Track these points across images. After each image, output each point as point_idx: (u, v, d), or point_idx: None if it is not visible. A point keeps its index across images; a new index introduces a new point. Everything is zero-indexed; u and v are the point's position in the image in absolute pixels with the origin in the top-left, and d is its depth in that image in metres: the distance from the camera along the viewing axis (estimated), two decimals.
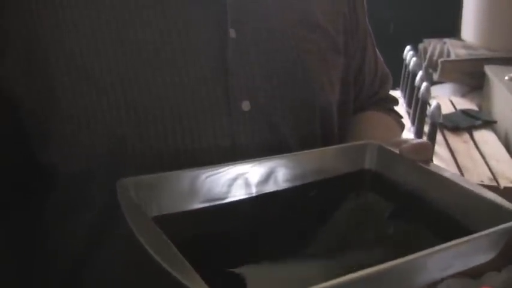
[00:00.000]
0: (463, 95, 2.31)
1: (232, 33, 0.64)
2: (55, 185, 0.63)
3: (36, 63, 0.59)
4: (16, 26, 0.59)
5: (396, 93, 2.04)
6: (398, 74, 2.10)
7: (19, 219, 0.68)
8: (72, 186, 0.62)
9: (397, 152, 0.63)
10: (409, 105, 1.92)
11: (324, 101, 0.72)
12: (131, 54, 0.60)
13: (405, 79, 2.04)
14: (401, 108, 1.92)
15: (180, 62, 0.62)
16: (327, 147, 0.65)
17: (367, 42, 0.84)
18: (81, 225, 0.64)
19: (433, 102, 1.60)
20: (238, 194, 0.58)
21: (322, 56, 0.72)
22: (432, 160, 0.66)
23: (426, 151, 0.63)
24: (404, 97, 2.02)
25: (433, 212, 0.58)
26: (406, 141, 0.64)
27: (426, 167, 0.61)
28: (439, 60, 2.32)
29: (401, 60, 2.12)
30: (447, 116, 1.90)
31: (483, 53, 2.33)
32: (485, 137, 1.83)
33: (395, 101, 0.95)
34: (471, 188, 0.56)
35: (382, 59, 0.90)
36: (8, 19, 0.59)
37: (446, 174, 0.59)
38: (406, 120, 1.81)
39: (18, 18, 0.59)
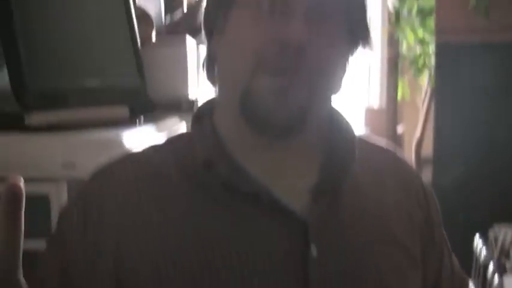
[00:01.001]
0: None
1: (313, 250, 0.66)
2: None
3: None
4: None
5: None
6: (469, 264, 2.05)
7: None
8: None
9: None
10: None
11: None
12: (211, 275, 0.64)
13: (476, 271, 1.99)
14: None
15: (260, 276, 0.64)
16: None
17: (444, 251, 0.84)
18: None
19: None
20: None
21: (402, 273, 0.73)
22: None
23: None
24: None
25: None
26: None
27: None
28: None
29: (471, 248, 2.08)
30: None
31: None
32: None
33: None
34: None
35: (458, 264, 0.89)
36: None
37: None
38: None
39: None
